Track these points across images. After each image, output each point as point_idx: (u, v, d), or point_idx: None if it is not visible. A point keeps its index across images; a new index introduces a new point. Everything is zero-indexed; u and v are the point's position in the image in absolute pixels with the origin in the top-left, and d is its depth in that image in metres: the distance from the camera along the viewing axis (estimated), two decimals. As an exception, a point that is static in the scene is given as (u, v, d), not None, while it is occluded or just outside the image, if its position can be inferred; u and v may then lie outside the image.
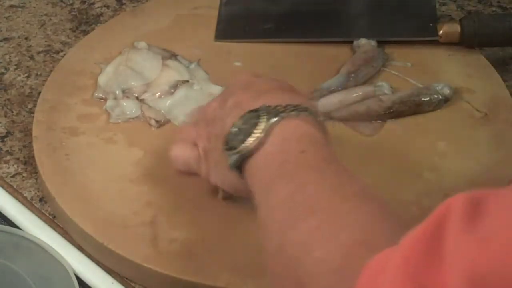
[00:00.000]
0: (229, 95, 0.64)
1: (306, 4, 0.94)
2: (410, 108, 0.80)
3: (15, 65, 0.89)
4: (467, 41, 0.87)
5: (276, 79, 0.65)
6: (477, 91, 0.83)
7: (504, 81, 0.84)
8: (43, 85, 0.84)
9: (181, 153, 0.67)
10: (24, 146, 0.80)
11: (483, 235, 0.34)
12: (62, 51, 0.91)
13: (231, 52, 0.88)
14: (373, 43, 0.87)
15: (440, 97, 0.80)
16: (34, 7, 0.98)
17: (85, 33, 0.93)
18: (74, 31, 0.94)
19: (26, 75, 0.88)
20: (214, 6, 0.94)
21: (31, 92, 0.86)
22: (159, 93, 0.81)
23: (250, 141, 0.57)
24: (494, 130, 0.78)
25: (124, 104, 0.80)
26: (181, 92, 0.81)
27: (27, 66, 0.89)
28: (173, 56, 0.86)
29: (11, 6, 0.98)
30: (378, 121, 0.79)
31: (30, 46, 0.92)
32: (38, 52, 0.91)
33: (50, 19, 0.96)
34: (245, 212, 0.69)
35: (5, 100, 0.85)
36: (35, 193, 0.75)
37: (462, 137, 0.77)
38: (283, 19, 0.93)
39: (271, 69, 0.84)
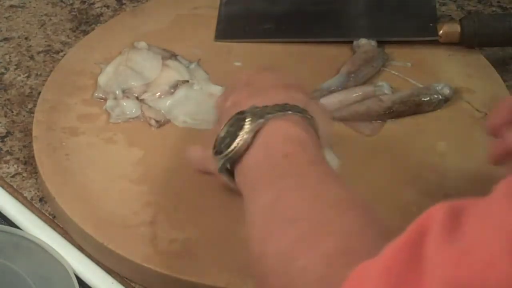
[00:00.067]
0: (230, 94, 0.64)
1: (306, 4, 0.94)
2: (410, 108, 0.80)
3: (15, 65, 0.89)
4: (467, 41, 0.87)
5: (278, 74, 0.65)
6: (477, 91, 0.83)
7: (504, 81, 0.84)
8: (43, 85, 0.84)
9: (195, 153, 0.66)
10: (24, 146, 0.80)
11: (464, 246, 0.34)
12: (62, 51, 0.91)
13: (231, 52, 0.88)
14: (373, 43, 0.87)
15: (440, 97, 0.80)
16: (34, 7, 0.98)
17: (85, 33, 0.93)
18: (74, 31, 0.94)
19: (26, 75, 0.88)
20: (214, 6, 0.94)
21: (31, 92, 0.86)
22: (159, 93, 0.81)
23: (235, 144, 0.56)
24: (494, 130, 0.78)
25: (124, 104, 0.80)
26: (181, 92, 0.81)
27: (27, 66, 0.89)
28: (173, 56, 0.86)
29: (11, 6, 0.98)
30: (378, 121, 0.79)
31: (30, 46, 0.92)
32: (38, 52, 0.91)
33: (50, 19, 0.96)
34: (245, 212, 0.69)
35: (5, 100, 0.85)
36: (35, 193, 0.75)
37: (462, 137, 0.77)
38: (283, 19, 0.93)
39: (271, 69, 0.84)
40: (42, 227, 0.71)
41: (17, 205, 0.73)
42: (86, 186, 0.73)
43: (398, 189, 0.72)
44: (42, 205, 0.74)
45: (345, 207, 0.50)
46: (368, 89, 0.81)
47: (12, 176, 0.77)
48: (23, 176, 0.77)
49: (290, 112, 0.57)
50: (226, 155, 0.57)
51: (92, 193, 0.72)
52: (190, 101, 0.81)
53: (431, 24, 0.88)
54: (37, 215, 0.73)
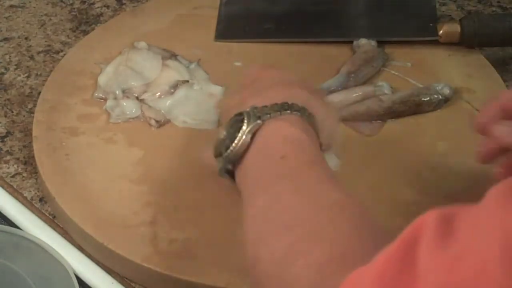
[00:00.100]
0: (234, 93, 0.63)
1: (306, 4, 0.94)
2: (410, 108, 0.80)
3: (15, 65, 0.89)
4: (467, 41, 0.87)
5: (282, 71, 0.64)
6: (477, 91, 0.83)
7: (504, 81, 0.84)
8: (43, 85, 0.84)
9: (206, 153, 0.66)
10: (24, 146, 0.80)
11: (456, 252, 0.34)
12: (62, 51, 0.91)
13: (231, 52, 0.88)
14: (373, 43, 0.87)
15: (440, 97, 0.80)
16: (34, 7, 0.98)
17: (85, 33, 0.93)
18: (74, 31, 0.94)
19: (26, 75, 0.88)
20: (214, 6, 0.94)
21: (31, 92, 0.86)
22: (159, 93, 0.81)
23: (233, 146, 0.56)
24: (494, 130, 0.78)
25: (124, 104, 0.80)
26: (181, 92, 0.81)
27: (27, 66, 0.89)
28: (173, 56, 0.86)
29: (11, 6, 0.98)
30: (378, 121, 0.79)
31: (30, 46, 0.92)
32: (38, 52, 0.91)
33: (50, 19, 0.96)
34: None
35: (5, 100, 0.85)
36: (35, 193, 0.75)
37: (462, 137, 0.77)
38: (283, 19, 0.93)
39: (271, 69, 0.84)
40: (42, 227, 0.71)
41: (17, 205, 0.73)
42: (86, 186, 0.73)
43: (398, 189, 0.72)
44: (42, 205, 0.74)
45: (339, 211, 0.50)
46: (368, 89, 0.81)
47: (12, 176, 0.77)
48: (23, 176, 0.77)
49: (288, 111, 0.57)
50: (226, 156, 0.57)
51: (92, 193, 0.72)
52: (190, 101, 0.81)
53: (431, 24, 0.88)
54: (37, 215, 0.73)
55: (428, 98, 0.80)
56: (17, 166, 0.78)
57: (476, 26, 0.86)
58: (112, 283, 0.67)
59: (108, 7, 0.98)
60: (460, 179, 0.73)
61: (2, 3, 0.98)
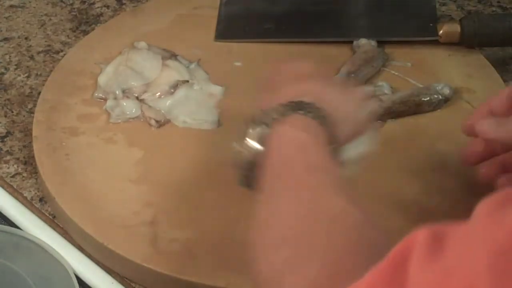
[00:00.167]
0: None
1: (306, 4, 0.94)
2: (410, 108, 0.80)
3: (15, 65, 0.89)
4: (467, 41, 0.87)
5: (297, 64, 0.64)
6: (477, 91, 0.83)
7: (504, 81, 0.84)
8: (43, 85, 0.84)
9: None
10: (24, 146, 0.80)
11: (446, 267, 0.34)
12: (62, 51, 0.91)
13: (231, 52, 0.88)
14: (373, 43, 0.87)
15: (440, 97, 0.80)
16: (34, 7, 0.98)
17: (85, 33, 0.93)
18: (74, 31, 0.94)
19: (26, 75, 0.88)
20: (214, 6, 0.94)
21: (31, 92, 0.86)
22: (159, 93, 0.81)
23: (244, 152, 0.57)
24: (494, 130, 0.78)
25: (124, 104, 0.80)
26: (181, 92, 0.81)
27: (27, 66, 0.89)
28: (173, 56, 0.86)
29: (11, 6, 0.98)
30: (378, 121, 0.79)
31: (30, 46, 0.92)
32: (38, 52, 0.91)
33: (50, 19, 0.96)
34: (245, 212, 0.69)
35: (5, 100, 0.85)
36: (35, 193, 0.75)
37: (462, 137, 0.77)
38: (283, 19, 0.93)
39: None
40: (42, 227, 0.71)
41: (17, 205, 0.73)
42: (86, 186, 0.73)
43: (398, 189, 0.72)
44: (42, 205, 0.74)
45: (336, 223, 0.49)
46: (368, 89, 0.81)
47: (12, 176, 0.77)
48: (23, 176, 0.77)
49: (292, 112, 0.56)
50: (237, 164, 0.57)
51: (92, 193, 0.72)
52: (190, 101, 0.81)
53: (431, 24, 0.88)
54: (37, 215, 0.73)
55: (428, 98, 0.80)
56: (17, 166, 0.78)
57: (476, 26, 0.86)
58: (112, 283, 0.68)
59: (108, 7, 0.98)
60: (460, 179, 0.73)
61: (2, 3, 0.98)
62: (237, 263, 0.66)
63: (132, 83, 0.82)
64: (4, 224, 0.72)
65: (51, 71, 0.86)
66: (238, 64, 0.86)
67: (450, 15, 0.95)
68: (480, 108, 0.66)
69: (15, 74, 0.88)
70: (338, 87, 0.63)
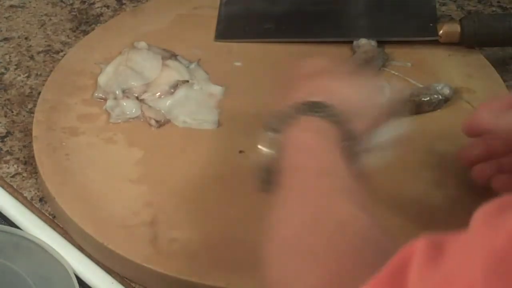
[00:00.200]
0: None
1: (306, 4, 0.94)
2: (410, 108, 0.80)
3: (15, 65, 0.89)
4: (467, 41, 0.87)
5: (308, 62, 0.64)
6: (477, 91, 0.83)
7: (504, 81, 0.84)
8: (43, 85, 0.84)
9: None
10: (24, 146, 0.80)
11: (446, 275, 0.34)
12: (62, 51, 0.91)
13: (231, 52, 0.88)
14: (373, 43, 0.87)
15: (440, 97, 0.80)
16: (34, 7, 0.98)
17: (85, 33, 0.93)
18: (74, 31, 0.94)
19: (26, 75, 0.88)
20: (214, 6, 0.94)
21: (31, 92, 0.86)
22: (159, 93, 0.81)
23: (263, 156, 0.57)
24: (494, 130, 0.78)
25: (124, 104, 0.80)
26: (181, 92, 0.81)
27: (27, 66, 0.89)
28: (173, 56, 0.86)
29: (11, 6, 0.98)
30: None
31: (30, 46, 0.92)
32: (38, 52, 0.91)
33: (50, 19, 0.96)
34: (245, 212, 0.69)
35: (5, 100, 0.85)
36: (35, 193, 0.75)
37: (462, 137, 0.77)
38: (283, 19, 0.93)
39: (271, 69, 0.84)
40: (42, 227, 0.71)
41: (17, 205, 0.73)
42: (86, 186, 0.73)
43: (398, 189, 0.72)
44: (42, 205, 0.74)
45: (341, 231, 0.49)
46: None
47: (12, 176, 0.77)
48: (23, 176, 0.77)
49: (302, 115, 0.56)
50: (255, 168, 0.58)
51: (92, 193, 0.72)
52: (190, 101, 0.81)
53: (431, 24, 0.88)
54: (37, 215, 0.73)
55: (428, 98, 0.80)
56: (17, 166, 0.78)
57: (476, 26, 0.86)
58: (112, 283, 0.68)
59: (108, 7, 0.98)
60: (460, 179, 0.73)
61: (2, 3, 0.98)
62: (237, 263, 0.66)
63: (132, 83, 0.82)
64: (4, 224, 0.72)
65: (51, 71, 0.86)
66: (238, 64, 0.86)
67: (450, 15, 0.95)
68: (480, 108, 0.66)
69: (15, 74, 0.88)
70: (351, 81, 0.62)
